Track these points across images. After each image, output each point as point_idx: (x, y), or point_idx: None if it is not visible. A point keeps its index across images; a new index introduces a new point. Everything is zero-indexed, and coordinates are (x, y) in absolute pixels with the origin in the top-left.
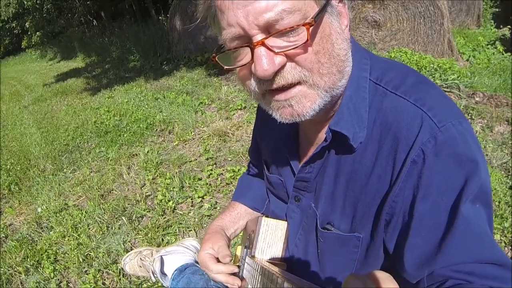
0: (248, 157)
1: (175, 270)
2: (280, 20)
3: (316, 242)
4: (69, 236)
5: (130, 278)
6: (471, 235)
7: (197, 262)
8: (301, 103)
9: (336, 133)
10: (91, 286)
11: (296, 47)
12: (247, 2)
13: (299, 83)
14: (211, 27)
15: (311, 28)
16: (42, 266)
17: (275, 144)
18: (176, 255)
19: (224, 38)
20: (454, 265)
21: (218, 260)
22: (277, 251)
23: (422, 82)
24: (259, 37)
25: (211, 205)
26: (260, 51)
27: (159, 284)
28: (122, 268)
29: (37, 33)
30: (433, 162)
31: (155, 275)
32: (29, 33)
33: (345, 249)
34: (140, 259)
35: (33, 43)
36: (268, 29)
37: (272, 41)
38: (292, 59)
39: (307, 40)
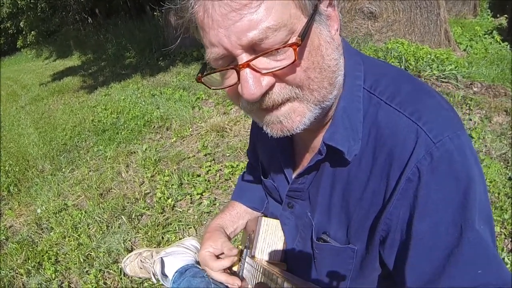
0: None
1: (176, 272)
2: (265, 39)
3: (312, 251)
4: (69, 237)
5: (131, 278)
6: (477, 258)
7: (197, 263)
8: (290, 119)
9: (331, 147)
10: (92, 286)
11: (284, 67)
12: (229, 22)
13: (288, 100)
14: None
15: (298, 48)
16: (43, 267)
17: (270, 150)
18: (177, 256)
19: (208, 58)
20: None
21: (218, 258)
22: (277, 251)
23: (418, 90)
24: (244, 57)
25: (210, 202)
26: (246, 73)
27: (161, 285)
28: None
29: (32, 32)
30: (429, 180)
31: (156, 277)
32: (24, 32)
33: (340, 258)
34: (141, 260)
35: (28, 42)
36: (253, 47)
37: (258, 62)
38: (281, 79)
39: (295, 60)
